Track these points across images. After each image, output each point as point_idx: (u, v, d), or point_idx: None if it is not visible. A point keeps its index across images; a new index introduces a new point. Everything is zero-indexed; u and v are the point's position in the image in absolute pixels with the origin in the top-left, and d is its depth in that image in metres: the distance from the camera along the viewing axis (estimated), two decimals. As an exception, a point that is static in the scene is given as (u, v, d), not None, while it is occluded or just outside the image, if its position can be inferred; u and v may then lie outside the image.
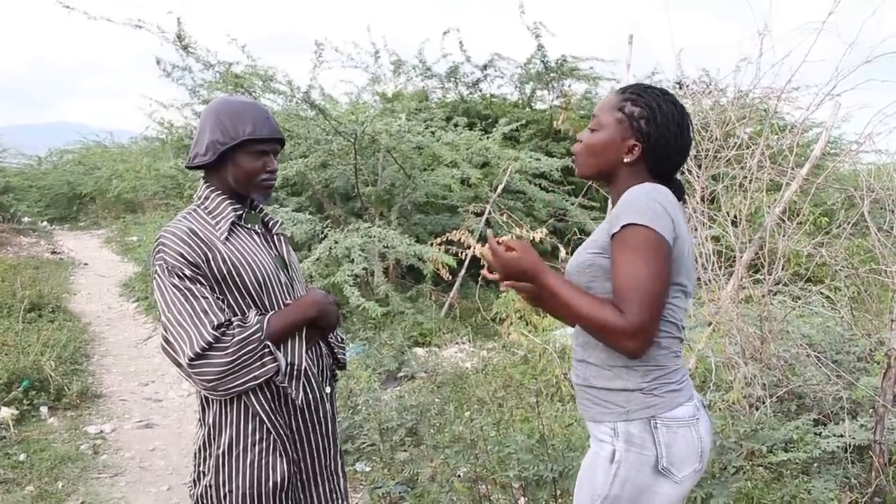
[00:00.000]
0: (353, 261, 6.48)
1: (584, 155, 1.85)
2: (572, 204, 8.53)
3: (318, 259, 6.54)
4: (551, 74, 10.53)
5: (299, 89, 7.82)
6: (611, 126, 1.80)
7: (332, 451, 2.12)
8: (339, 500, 2.15)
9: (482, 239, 7.29)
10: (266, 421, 1.91)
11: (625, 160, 1.78)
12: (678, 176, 1.90)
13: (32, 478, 4.02)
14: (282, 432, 1.94)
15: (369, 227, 6.93)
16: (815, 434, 3.46)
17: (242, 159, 1.97)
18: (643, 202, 1.66)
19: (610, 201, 1.89)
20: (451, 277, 7.15)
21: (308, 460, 2.04)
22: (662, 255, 1.64)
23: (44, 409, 5.01)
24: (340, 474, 2.16)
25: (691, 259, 1.76)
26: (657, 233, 1.63)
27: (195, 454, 2.00)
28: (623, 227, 1.65)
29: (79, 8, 7.42)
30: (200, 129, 2.00)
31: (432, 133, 8.16)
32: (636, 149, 1.77)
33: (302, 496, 2.03)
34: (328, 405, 2.12)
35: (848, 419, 3.50)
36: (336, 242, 6.64)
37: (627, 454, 1.71)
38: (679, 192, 1.84)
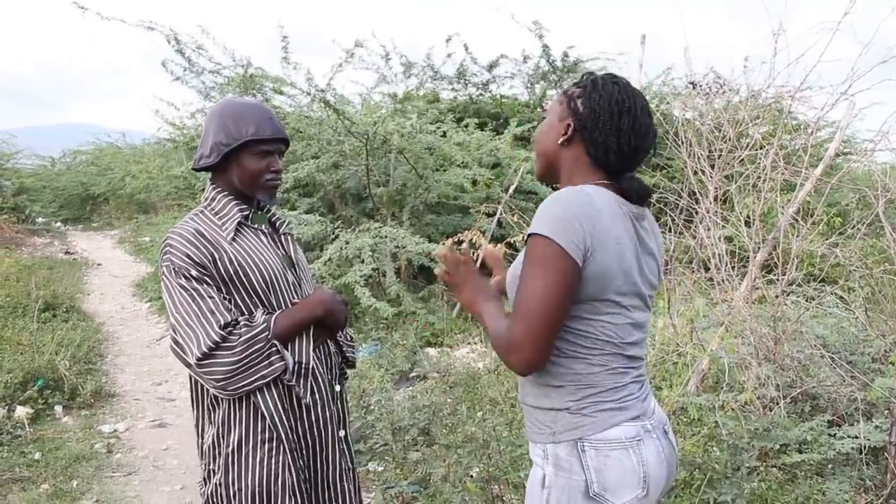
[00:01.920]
0: (363, 261, 6.48)
1: (535, 149, 1.76)
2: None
3: (329, 260, 6.55)
4: (558, 73, 10.55)
5: (321, 90, 7.83)
6: (552, 110, 1.71)
7: (340, 449, 2.12)
8: (352, 500, 2.16)
9: (494, 239, 7.28)
10: (269, 421, 1.92)
11: (558, 141, 1.66)
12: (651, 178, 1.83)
13: (47, 476, 4.05)
14: (287, 432, 1.95)
15: (380, 228, 6.93)
16: (830, 435, 3.44)
17: (246, 160, 1.98)
18: (551, 209, 1.52)
19: None
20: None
21: (317, 458, 2.04)
22: (561, 271, 1.49)
23: (58, 409, 5.05)
24: (352, 474, 2.17)
25: (632, 268, 1.60)
26: (557, 245, 1.48)
27: (205, 453, 2.01)
28: (529, 235, 1.55)
29: (92, 8, 7.48)
30: (205, 131, 2.02)
31: (443, 134, 8.16)
32: (569, 128, 1.64)
33: (312, 495, 2.03)
34: (338, 403, 2.12)
35: (862, 420, 3.48)
36: (347, 243, 6.65)
37: (556, 479, 1.59)
38: (639, 195, 1.65)
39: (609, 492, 1.55)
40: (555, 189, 1.68)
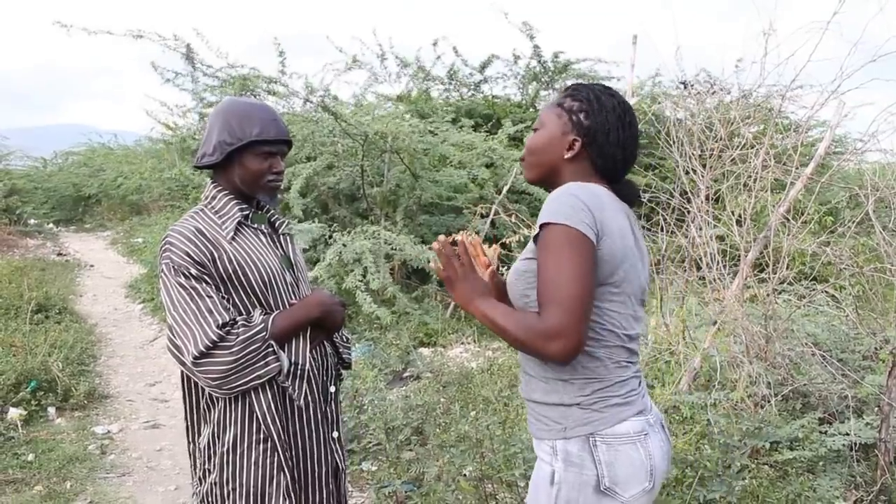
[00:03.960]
0: (364, 266, 6.44)
1: (528, 156, 1.78)
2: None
3: (329, 265, 6.51)
4: (550, 74, 10.57)
5: (320, 96, 7.84)
6: (551, 123, 1.73)
7: (333, 450, 2.13)
8: (340, 501, 2.17)
9: (488, 240, 7.29)
10: (263, 422, 1.92)
11: (566, 156, 1.70)
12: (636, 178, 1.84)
13: (41, 478, 4.04)
14: (280, 433, 1.95)
15: (376, 230, 6.93)
16: (821, 432, 3.46)
17: (249, 160, 1.99)
18: (560, 199, 1.57)
19: None
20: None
21: (309, 459, 2.04)
22: (583, 252, 1.52)
23: (51, 410, 5.04)
24: (343, 475, 2.17)
25: (633, 259, 1.66)
26: (574, 228, 1.52)
27: (201, 452, 2.01)
28: (540, 227, 1.57)
29: (77, 25, 7.48)
30: (209, 130, 2.02)
31: (435, 135, 8.17)
32: (576, 143, 1.69)
33: (302, 496, 2.03)
34: (332, 405, 2.13)
35: (853, 417, 3.50)
36: (344, 246, 6.63)
37: (567, 474, 1.60)
38: (631, 194, 1.75)
39: (619, 485, 1.59)
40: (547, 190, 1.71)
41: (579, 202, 1.55)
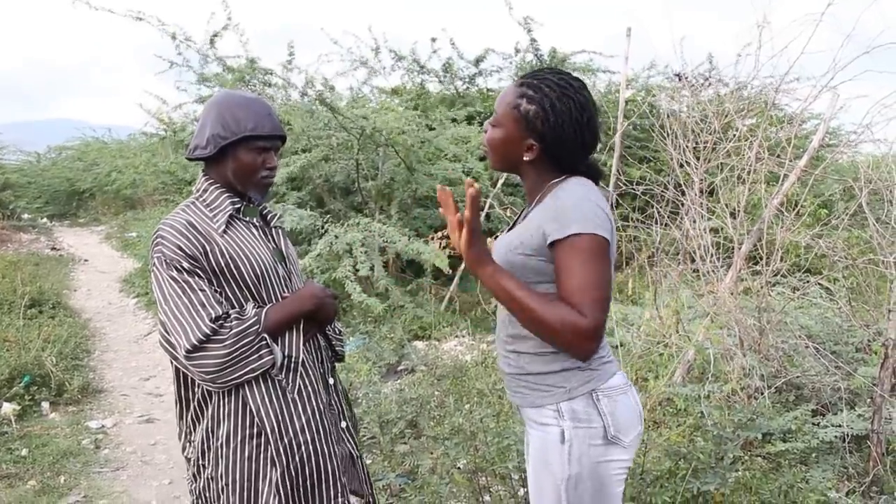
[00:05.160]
0: (354, 257, 6.46)
1: (489, 151, 1.85)
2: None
3: (318, 254, 6.52)
4: (547, 67, 10.55)
5: (319, 90, 7.82)
6: (508, 124, 1.78)
7: (343, 439, 2.12)
8: (362, 486, 2.17)
9: (484, 233, 7.28)
10: (257, 416, 1.92)
11: (525, 158, 1.78)
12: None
13: (34, 473, 4.03)
14: (278, 427, 1.94)
15: (369, 223, 6.92)
16: (814, 424, 3.47)
17: (242, 155, 1.97)
18: (585, 208, 1.66)
19: (526, 193, 1.89)
20: (450, 271, 7.16)
21: (316, 454, 2.00)
22: (608, 260, 1.67)
23: (45, 405, 5.03)
24: (359, 461, 2.17)
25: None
26: (602, 237, 1.65)
27: (196, 448, 2.00)
28: (570, 235, 1.64)
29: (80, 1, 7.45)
30: (202, 122, 2.00)
31: (432, 128, 8.16)
32: (534, 148, 1.76)
33: (313, 490, 1.99)
34: (334, 395, 2.12)
35: (846, 409, 3.52)
36: (336, 237, 6.63)
37: (576, 431, 1.72)
38: (597, 174, 1.84)
39: (622, 432, 1.74)
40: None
41: (600, 210, 1.68)
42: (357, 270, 6.36)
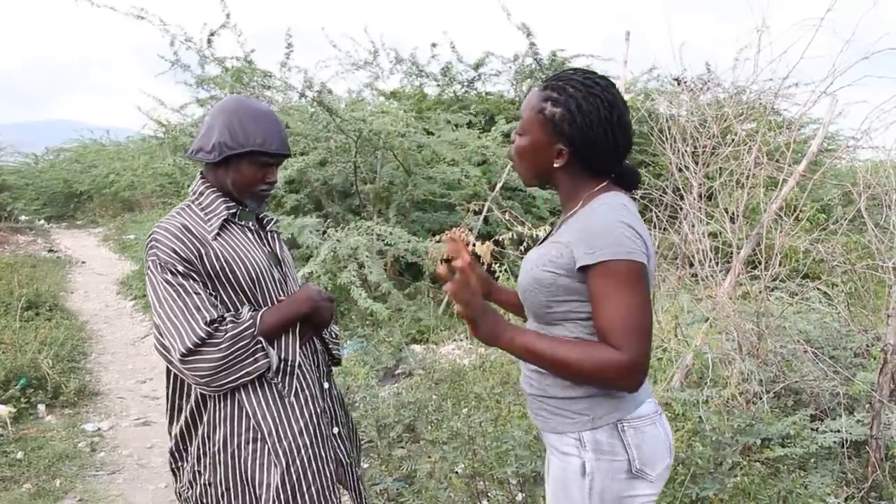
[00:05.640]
0: (360, 263, 6.42)
1: (517, 161, 1.75)
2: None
3: (323, 260, 6.47)
4: (545, 71, 10.56)
5: (318, 92, 7.82)
6: (535, 130, 1.68)
7: (335, 446, 2.11)
8: (356, 492, 2.16)
9: (481, 237, 7.28)
10: (254, 420, 1.91)
11: (556, 165, 1.68)
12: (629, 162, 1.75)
13: (30, 475, 4.01)
14: (275, 431, 1.93)
15: (371, 226, 6.90)
16: (812, 429, 3.46)
17: (245, 167, 1.96)
18: (617, 232, 1.56)
19: (561, 203, 1.78)
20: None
21: (311, 459, 1.99)
22: (645, 284, 1.58)
23: (41, 407, 5.01)
24: (351, 468, 2.16)
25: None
26: (637, 262, 1.55)
27: (190, 454, 1.99)
28: (601, 262, 1.55)
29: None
30: (209, 125, 1.98)
31: (431, 133, 8.16)
32: (564, 152, 1.66)
33: (304, 495, 1.98)
34: (329, 400, 2.11)
35: (845, 414, 3.50)
36: (338, 241, 6.60)
37: (598, 464, 1.62)
38: (633, 180, 1.75)
39: (648, 465, 1.64)
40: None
41: (633, 232, 1.57)
42: (365, 277, 6.31)
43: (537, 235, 6.71)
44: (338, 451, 2.12)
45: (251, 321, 1.88)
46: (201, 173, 2.04)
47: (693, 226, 4.46)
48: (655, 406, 1.71)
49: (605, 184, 1.69)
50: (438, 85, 11.10)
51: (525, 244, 6.73)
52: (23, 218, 16.53)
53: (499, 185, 7.99)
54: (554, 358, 1.57)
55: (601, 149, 1.65)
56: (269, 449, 1.92)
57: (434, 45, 10.62)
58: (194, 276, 1.86)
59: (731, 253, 4.33)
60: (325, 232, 6.94)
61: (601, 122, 1.63)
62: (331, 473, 2.04)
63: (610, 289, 1.55)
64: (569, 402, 1.66)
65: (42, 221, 17.38)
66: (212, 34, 8.47)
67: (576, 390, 1.65)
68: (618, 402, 1.63)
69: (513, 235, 6.88)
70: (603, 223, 1.58)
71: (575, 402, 1.65)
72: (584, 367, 1.55)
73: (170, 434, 2.05)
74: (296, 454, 1.96)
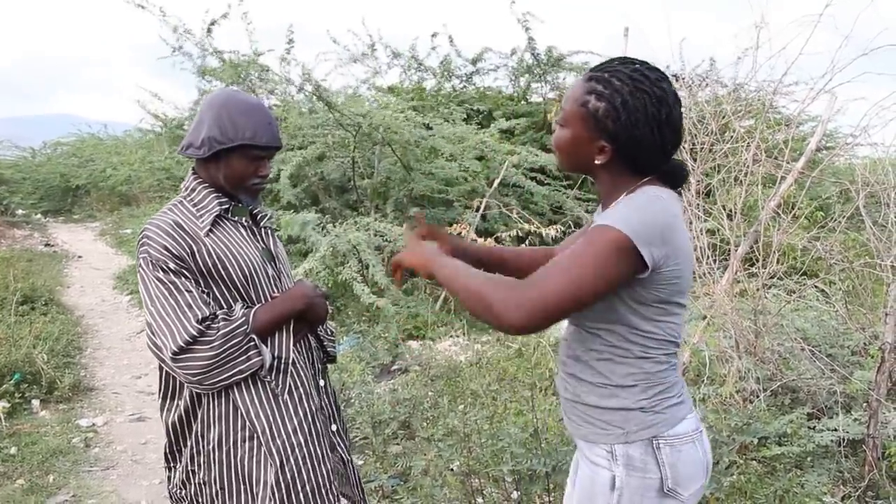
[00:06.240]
0: (360, 260, 6.39)
1: (557, 153, 1.66)
2: (568, 197, 8.51)
3: (323, 256, 6.44)
4: (543, 67, 10.54)
5: (316, 85, 7.80)
6: (576, 124, 1.57)
7: (333, 443, 2.09)
8: (353, 490, 2.14)
9: (480, 233, 7.26)
10: (248, 418, 1.89)
11: (597, 161, 1.58)
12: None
13: (23, 471, 3.99)
14: (270, 429, 1.91)
15: (369, 222, 6.88)
16: (809, 428, 3.45)
17: (236, 161, 1.93)
18: (638, 215, 1.47)
19: (600, 199, 1.71)
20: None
21: (309, 457, 1.97)
22: (619, 268, 1.44)
23: (35, 403, 4.98)
24: (350, 466, 2.15)
25: (692, 268, 1.60)
26: (634, 245, 1.43)
27: (182, 454, 1.97)
28: (603, 224, 1.47)
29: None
30: (199, 120, 1.94)
31: (429, 127, 8.13)
32: (606, 149, 1.56)
33: (303, 492, 1.96)
34: (325, 398, 2.09)
35: (842, 413, 3.50)
36: (337, 237, 6.57)
37: (629, 479, 1.56)
38: (679, 177, 1.63)
39: (681, 485, 1.57)
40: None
41: (657, 224, 1.46)
42: (368, 273, 6.29)
43: (543, 234, 6.69)
44: (338, 447, 2.10)
45: (244, 319, 1.85)
46: (193, 169, 2.01)
47: (691, 223, 4.44)
48: (697, 423, 1.63)
49: (647, 179, 1.60)
50: (437, 79, 11.08)
51: (528, 242, 6.71)
52: (20, 212, 16.49)
53: (496, 182, 7.97)
54: (451, 278, 1.56)
55: (647, 148, 1.54)
56: (263, 447, 1.90)
57: (434, 34, 10.58)
58: (186, 273, 1.84)
59: (729, 250, 4.32)
60: (323, 227, 6.92)
61: (648, 120, 1.51)
62: (327, 471, 2.02)
63: (581, 246, 1.46)
64: (601, 412, 1.60)
65: (39, 216, 17.33)
66: (212, 23, 8.45)
67: (608, 401, 1.58)
68: (655, 417, 1.56)
69: (515, 232, 6.86)
70: (629, 209, 1.49)
71: (608, 412, 1.59)
72: (480, 288, 1.47)
73: (170, 430, 2.02)
74: (290, 452, 1.94)
